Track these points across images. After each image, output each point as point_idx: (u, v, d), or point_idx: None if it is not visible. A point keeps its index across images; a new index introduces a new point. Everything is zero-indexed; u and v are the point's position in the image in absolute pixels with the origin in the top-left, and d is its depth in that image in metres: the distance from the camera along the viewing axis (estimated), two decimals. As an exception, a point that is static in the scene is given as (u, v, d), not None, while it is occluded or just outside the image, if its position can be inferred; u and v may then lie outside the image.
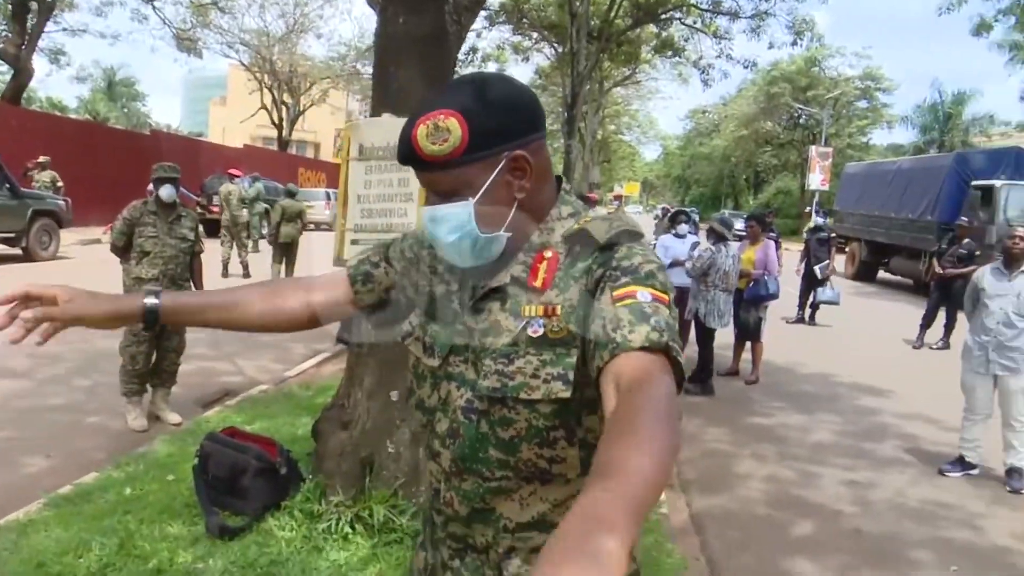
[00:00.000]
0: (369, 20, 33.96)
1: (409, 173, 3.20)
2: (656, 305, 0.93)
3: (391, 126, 3.09)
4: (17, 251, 11.99)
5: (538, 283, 1.05)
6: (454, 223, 1.05)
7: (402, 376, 3.11)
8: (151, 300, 1.19)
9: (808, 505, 4.28)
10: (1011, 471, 4.59)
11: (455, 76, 3.56)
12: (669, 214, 12.63)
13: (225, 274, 11.95)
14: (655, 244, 13.60)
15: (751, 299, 7.04)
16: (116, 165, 18.75)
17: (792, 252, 19.22)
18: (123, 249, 4.76)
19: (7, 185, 11.58)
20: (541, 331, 1.02)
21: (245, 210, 17.27)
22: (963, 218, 10.76)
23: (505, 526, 1.10)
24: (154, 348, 4.80)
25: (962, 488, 4.60)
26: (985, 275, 4.83)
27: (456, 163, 1.02)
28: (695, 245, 7.86)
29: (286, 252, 11.22)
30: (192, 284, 4.93)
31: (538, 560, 0.58)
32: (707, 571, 3.44)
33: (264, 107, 34.58)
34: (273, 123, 35.19)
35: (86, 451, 4.25)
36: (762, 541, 3.83)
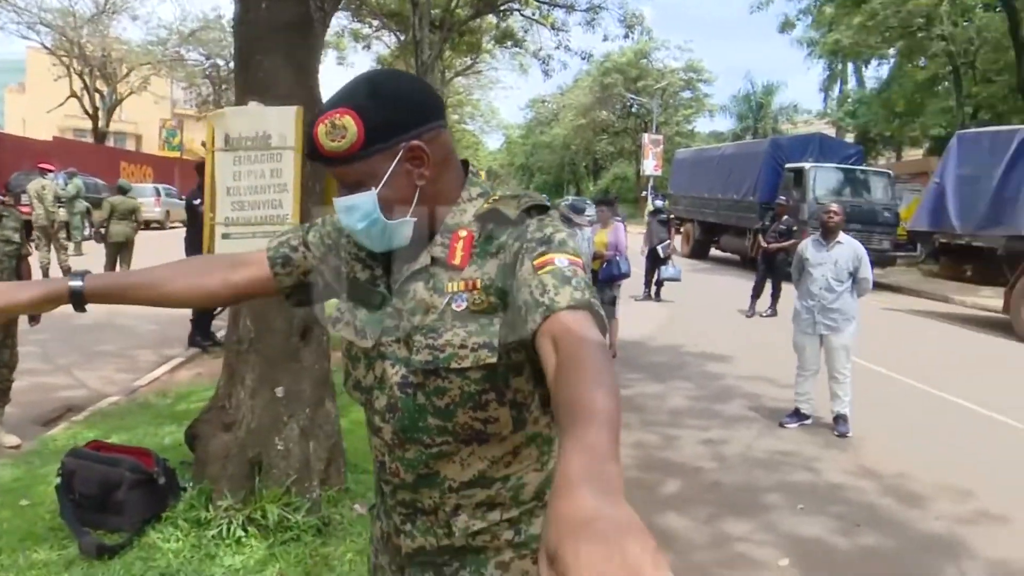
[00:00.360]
0: (192, 2, 31.75)
1: (282, 163, 3.13)
2: (574, 268, 1.00)
3: (259, 115, 2.99)
4: None
5: (457, 261, 1.12)
6: (362, 212, 1.11)
7: (285, 371, 3.05)
8: (76, 283, 1.21)
9: (672, 465, 4.65)
10: (837, 418, 5.24)
11: (320, 64, 3.50)
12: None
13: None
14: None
15: (605, 279, 7.44)
16: None
17: (633, 234, 20.39)
18: (-65, 256, 4.23)
19: None
20: (464, 304, 1.10)
21: (62, 209, 15.70)
22: (781, 197, 11.95)
23: (450, 487, 1.17)
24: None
25: (799, 437, 5.19)
26: (808, 247, 5.44)
27: (356, 157, 1.08)
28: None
29: (119, 252, 10.35)
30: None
31: (554, 491, 0.63)
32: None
33: (74, 95, 31.31)
34: (86, 113, 31.98)
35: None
36: (635, 502, 4.05)
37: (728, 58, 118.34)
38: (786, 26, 24.55)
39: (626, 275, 7.53)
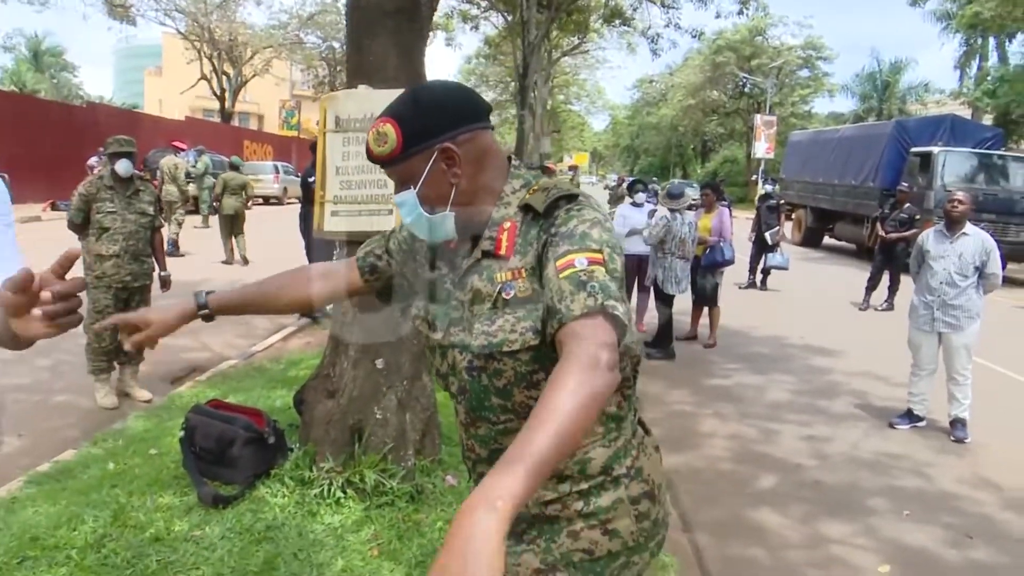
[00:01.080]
0: (312, -13, 32.95)
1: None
2: (591, 269, 1.08)
3: (367, 98, 3.10)
4: (-48, 230, 11.46)
5: (503, 252, 1.24)
6: (408, 207, 1.27)
7: (385, 344, 3.18)
8: (201, 300, 1.45)
9: (769, 460, 4.52)
10: (955, 422, 4.91)
11: (428, 46, 3.58)
12: (626, 183, 12.82)
13: (169, 252, 11.51)
14: (612, 214, 13.75)
15: (708, 265, 7.26)
16: (51, 139, 18.00)
17: (740, 220, 19.69)
18: (80, 226, 4.65)
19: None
20: (513, 292, 1.21)
21: (192, 185, 16.83)
22: (903, 184, 11.21)
23: None
24: (120, 325, 4.73)
25: (911, 439, 4.91)
26: (929, 238, 5.09)
27: (397, 160, 1.24)
28: (652, 213, 8.06)
29: (231, 224, 11.02)
30: (154, 259, 4.85)
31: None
32: (679, 524, 3.62)
33: (204, 77, 33.41)
34: (214, 94, 34.07)
35: (59, 430, 4.20)
36: (729, 495, 4.04)
37: (851, 34, 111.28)
38: (919, -1, 22.81)
39: (729, 262, 7.32)
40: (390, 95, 3.03)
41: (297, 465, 3.11)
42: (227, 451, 3.08)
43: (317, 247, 7.26)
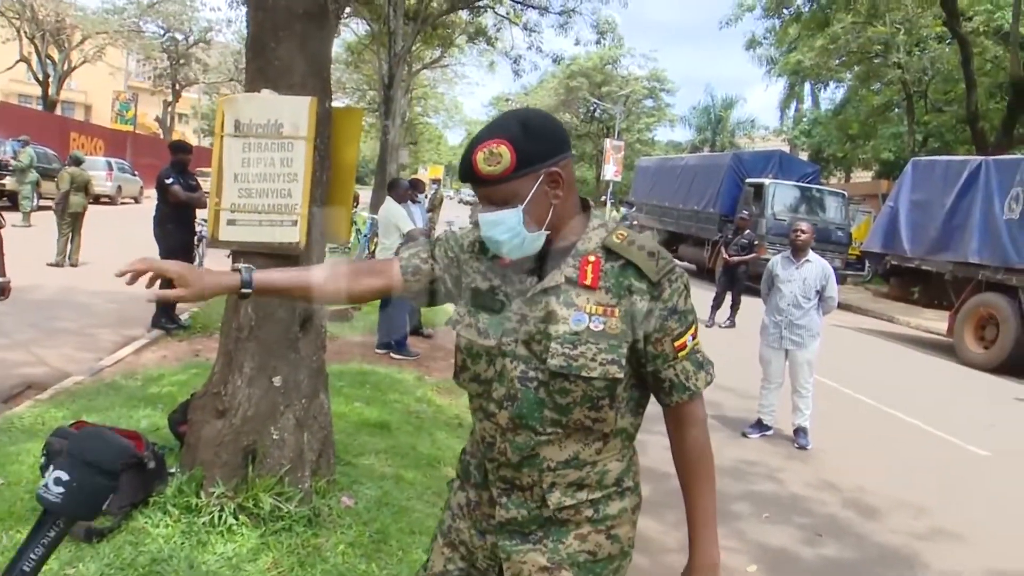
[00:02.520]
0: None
1: (293, 153, 3.13)
2: (700, 348, 1.45)
3: (272, 104, 2.97)
4: None
5: (588, 281, 1.37)
6: (507, 225, 1.35)
7: (284, 361, 3.05)
8: (246, 277, 1.43)
9: (642, 469, 4.76)
10: (798, 430, 5.45)
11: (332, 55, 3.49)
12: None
13: None
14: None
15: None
16: None
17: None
18: None
19: None
20: (602, 327, 1.35)
21: (9, 178, 15.07)
22: (744, 212, 12.27)
23: (548, 466, 1.40)
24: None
25: (762, 447, 5.38)
26: (778, 263, 5.62)
27: (507, 179, 1.33)
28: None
29: (73, 224, 10.10)
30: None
31: (694, 542, 1.47)
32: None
33: (24, 59, 30.08)
34: (36, 79, 30.75)
35: None
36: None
37: (690, 68, 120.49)
38: (752, 44, 25.18)
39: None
40: (296, 102, 2.96)
41: (181, 491, 2.88)
42: (100, 478, 2.80)
43: (170, 250, 6.76)
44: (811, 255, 5.49)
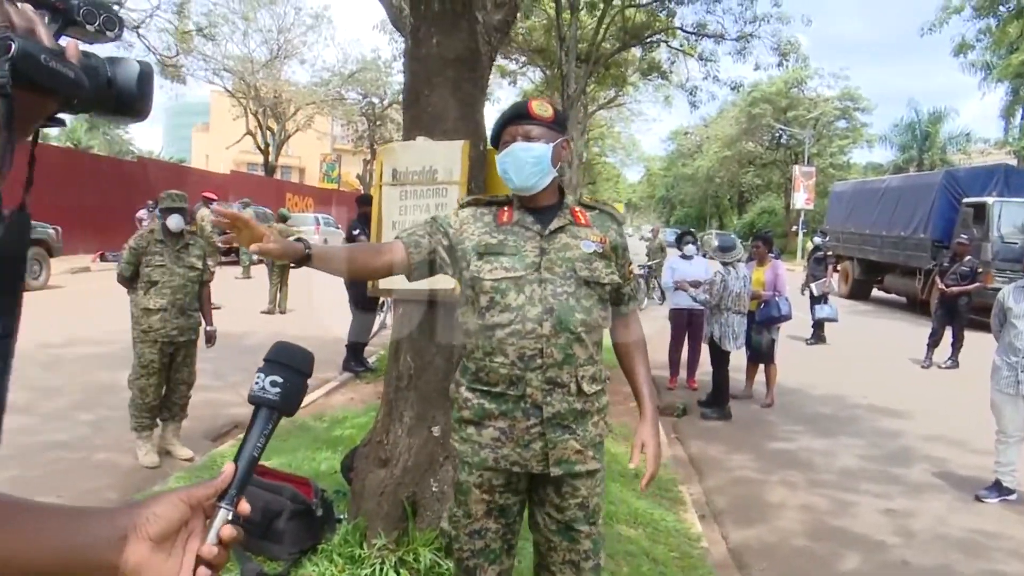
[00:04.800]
0: (352, 46, 34.01)
1: (447, 198, 3.08)
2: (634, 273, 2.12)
3: (426, 150, 2.97)
4: (5, 281, 11.67)
5: (583, 222, 1.98)
6: (538, 153, 1.89)
7: (442, 410, 2.97)
8: (308, 244, 1.78)
9: (849, 535, 4.15)
10: (1051, 495, 4.49)
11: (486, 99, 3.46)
12: (663, 233, 12.58)
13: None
14: (653, 267, 13.44)
15: (763, 321, 6.95)
16: (102, 193, 18.47)
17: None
18: (130, 279, 4.60)
19: (-6, 214, 11.29)
20: (601, 250, 1.95)
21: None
22: (963, 236, 10.80)
23: (579, 363, 1.88)
24: (164, 381, 4.62)
25: (1003, 515, 4.49)
26: (1010, 294, 4.76)
27: (547, 125, 1.92)
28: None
29: (281, 275, 11.10)
30: (201, 314, 4.75)
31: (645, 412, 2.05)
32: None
33: (250, 133, 34.39)
34: (259, 149, 34.99)
35: (97, 490, 4.04)
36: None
37: (887, 85, 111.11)
38: (962, 48, 22.59)
39: (787, 317, 6.99)
40: (449, 147, 2.91)
41: (346, 540, 2.87)
42: (273, 523, 2.87)
43: (357, 301, 7.13)
44: (1055, 283, 4.59)
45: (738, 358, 6.96)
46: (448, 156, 2.89)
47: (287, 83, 34.42)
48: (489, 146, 3.22)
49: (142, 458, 4.50)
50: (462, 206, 2.04)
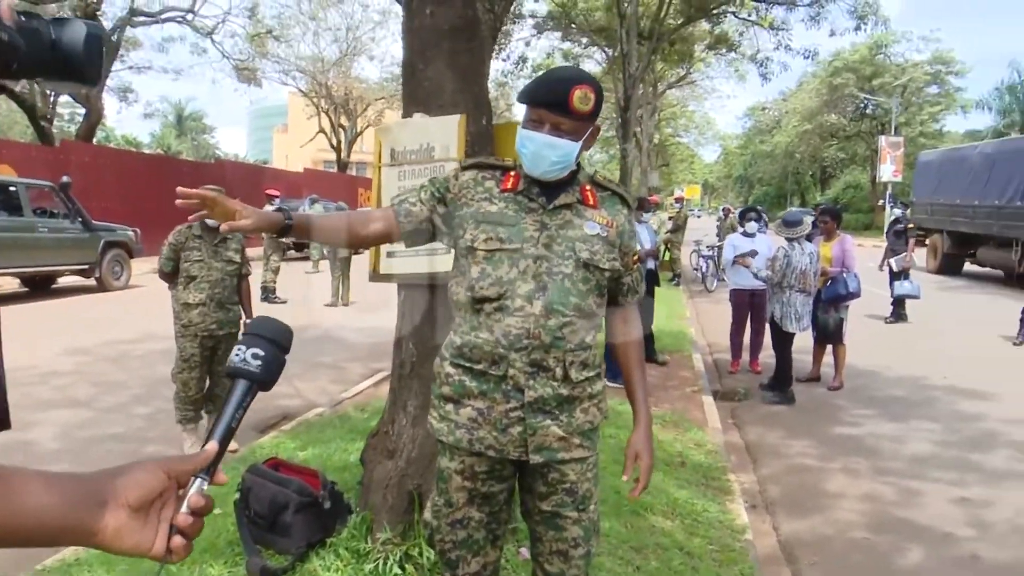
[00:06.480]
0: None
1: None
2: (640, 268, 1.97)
3: (423, 127, 2.84)
4: (91, 282, 12.34)
5: (592, 203, 1.84)
6: (565, 151, 1.73)
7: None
8: (287, 215, 1.70)
9: (913, 527, 3.81)
10: None
11: (489, 70, 3.30)
12: (736, 212, 12.11)
13: (265, 298, 11.29)
14: (721, 246, 12.99)
15: (830, 299, 6.52)
16: (183, 195, 19.28)
17: (868, 248, 18.23)
18: (170, 275, 4.68)
19: (80, 219, 11.94)
20: (605, 234, 1.81)
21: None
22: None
23: (569, 347, 1.75)
24: (206, 373, 4.69)
25: (1094, 505, 4.03)
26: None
27: (582, 119, 1.72)
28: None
29: (344, 268, 11.26)
30: (241, 308, 4.80)
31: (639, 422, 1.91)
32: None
33: (322, 131, 35.26)
34: (332, 146, 35.84)
35: (136, 484, 4.13)
36: (863, 571, 3.39)
37: (985, 46, 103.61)
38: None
39: (855, 294, 6.53)
40: (444, 122, 2.75)
41: (353, 535, 2.80)
42: (279, 517, 2.83)
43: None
44: None
45: (805, 339, 6.57)
46: (444, 132, 2.75)
47: (357, 80, 35.03)
48: (494, 122, 3.08)
49: (187, 450, 4.59)
50: (463, 168, 1.89)
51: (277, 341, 0.86)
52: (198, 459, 0.80)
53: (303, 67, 32.14)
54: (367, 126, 37.31)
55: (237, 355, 0.84)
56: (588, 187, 1.84)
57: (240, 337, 0.86)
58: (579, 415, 1.80)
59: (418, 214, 1.84)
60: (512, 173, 1.83)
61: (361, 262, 12.30)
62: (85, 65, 0.77)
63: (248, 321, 4.72)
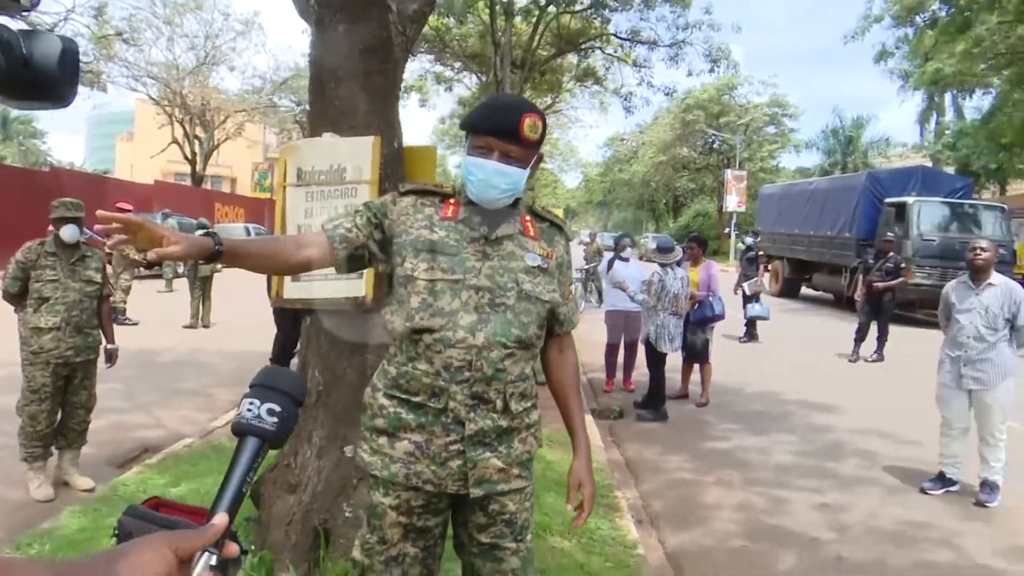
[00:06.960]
0: (284, 53, 33.24)
1: (357, 199, 2.85)
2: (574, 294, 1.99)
3: (333, 148, 2.76)
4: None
5: (531, 234, 1.83)
6: (513, 179, 1.72)
7: (355, 428, 2.75)
8: (217, 240, 1.58)
9: (784, 533, 4.10)
10: (984, 484, 4.51)
11: (400, 92, 3.26)
12: (601, 238, 12.59)
13: (115, 319, 10.63)
14: (591, 270, 13.46)
15: (698, 321, 6.94)
16: (12, 205, 17.39)
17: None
18: (17, 296, 4.20)
19: None
20: (546, 266, 1.81)
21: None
22: (889, 234, 11.13)
23: (509, 379, 1.73)
24: (59, 405, 4.23)
25: (933, 505, 4.52)
26: (954, 289, 4.78)
27: (530, 147, 1.73)
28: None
29: (204, 287, 10.62)
30: (101, 331, 4.39)
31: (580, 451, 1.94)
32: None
33: (176, 142, 33.13)
34: (186, 158, 33.75)
35: (-21, 531, 3.64)
36: (744, 578, 3.61)
37: (814, 91, 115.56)
38: (883, 56, 23.38)
39: (720, 317, 7.00)
40: (358, 143, 2.68)
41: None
42: (167, 561, 2.59)
43: (282, 314, 6.79)
44: (995, 277, 4.61)
45: (674, 359, 6.93)
46: (357, 153, 2.68)
47: (215, 90, 33.30)
48: (405, 144, 3.04)
49: (34, 491, 4.11)
50: (402, 194, 1.83)
51: (293, 395, 0.81)
52: (207, 534, 0.76)
53: (155, 73, 30.15)
54: (225, 139, 35.52)
55: (250, 410, 0.77)
56: (528, 217, 1.83)
57: (249, 390, 0.79)
58: (517, 445, 1.79)
59: (354, 240, 1.75)
60: (452, 200, 1.79)
61: (223, 281, 11.66)
62: (59, 83, 0.70)
63: (112, 347, 4.33)
